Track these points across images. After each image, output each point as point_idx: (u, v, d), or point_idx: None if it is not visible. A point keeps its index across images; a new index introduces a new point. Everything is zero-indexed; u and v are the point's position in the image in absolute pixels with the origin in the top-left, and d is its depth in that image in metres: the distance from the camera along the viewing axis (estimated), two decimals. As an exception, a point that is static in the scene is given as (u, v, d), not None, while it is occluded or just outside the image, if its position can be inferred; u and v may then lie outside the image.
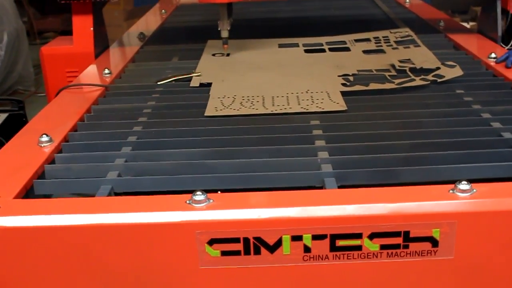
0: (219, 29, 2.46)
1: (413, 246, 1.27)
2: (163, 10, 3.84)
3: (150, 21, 3.65)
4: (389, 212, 1.26)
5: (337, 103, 1.88)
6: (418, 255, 1.28)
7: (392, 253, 1.28)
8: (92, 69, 2.52)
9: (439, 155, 1.53)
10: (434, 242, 1.27)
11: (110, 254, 1.28)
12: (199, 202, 1.28)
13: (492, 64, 2.28)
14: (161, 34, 3.23)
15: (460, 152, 1.53)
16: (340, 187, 1.41)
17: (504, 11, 2.77)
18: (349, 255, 1.28)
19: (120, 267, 1.29)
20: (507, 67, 2.22)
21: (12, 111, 2.90)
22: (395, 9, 3.59)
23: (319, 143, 1.62)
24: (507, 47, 2.65)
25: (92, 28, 2.73)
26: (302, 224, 1.25)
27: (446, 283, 1.31)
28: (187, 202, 1.29)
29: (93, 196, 1.43)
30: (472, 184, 1.29)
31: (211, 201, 1.29)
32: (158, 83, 2.22)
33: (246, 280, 1.30)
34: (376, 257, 1.28)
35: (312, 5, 3.87)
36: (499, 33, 2.68)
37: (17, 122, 2.89)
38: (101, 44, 2.84)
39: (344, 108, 1.83)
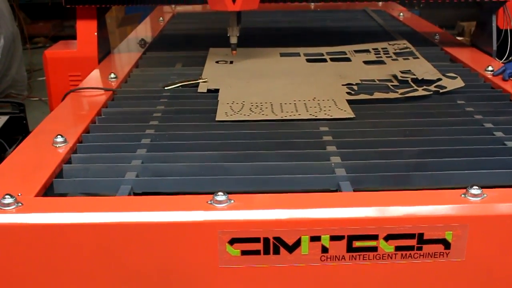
0: (228, 35, 2.51)
1: (427, 248, 1.32)
2: (160, 18, 3.87)
3: (149, 29, 3.69)
4: (404, 215, 1.30)
5: (344, 110, 1.93)
6: (431, 256, 1.33)
7: (406, 254, 1.32)
8: (97, 73, 2.55)
9: (447, 162, 1.59)
10: (447, 245, 1.32)
11: (131, 252, 1.31)
12: (220, 202, 1.31)
13: (490, 76, 2.35)
14: (162, 41, 3.27)
15: (468, 159, 1.59)
16: (354, 190, 1.46)
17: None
18: (365, 256, 1.32)
19: (140, 264, 1.32)
20: (504, 80, 2.29)
21: (13, 114, 2.91)
22: (390, 22, 3.66)
23: (330, 148, 1.67)
24: (502, 61, 2.73)
25: (96, 33, 2.75)
26: (321, 225, 1.29)
27: (457, 284, 1.36)
28: (209, 202, 1.32)
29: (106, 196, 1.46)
30: (483, 189, 1.35)
31: (232, 201, 1.32)
32: (165, 88, 2.26)
33: (264, 280, 1.34)
34: (391, 258, 1.32)
35: (308, 16, 3.94)
36: (494, 47, 2.76)
37: (17, 125, 2.91)
38: (104, 49, 2.86)
39: (352, 115, 1.89)
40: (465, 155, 1.63)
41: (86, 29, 2.76)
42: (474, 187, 1.34)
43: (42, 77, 5.99)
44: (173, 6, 4.22)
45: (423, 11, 6.39)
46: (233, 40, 2.52)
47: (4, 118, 2.85)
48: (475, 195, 1.34)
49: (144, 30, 3.64)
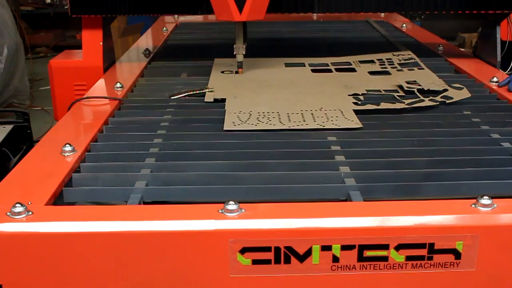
0: (234, 53, 2.51)
1: (437, 258, 1.32)
2: (164, 28, 3.89)
3: (153, 39, 3.70)
4: (415, 225, 1.31)
5: (352, 120, 1.93)
6: (442, 266, 1.33)
7: (416, 264, 1.32)
8: (102, 83, 2.55)
9: (457, 172, 1.59)
10: (457, 255, 1.32)
11: (142, 261, 1.31)
12: (231, 211, 1.32)
13: (495, 87, 2.36)
14: (166, 51, 3.28)
15: (477, 169, 1.60)
16: (364, 200, 1.46)
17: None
18: (375, 265, 1.32)
19: (151, 273, 1.32)
20: (509, 90, 2.30)
21: (17, 123, 2.92)
22: (393, 33, 3.68)
23: (339, 158, 1.67)
24: (506, 72, 2.74)
25: (101, 43, 2.76)
26: (332, 235, 1.29)
27: (467, 294, 1.36)
28: (220, 211, 1.32)
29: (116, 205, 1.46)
30: (493, 200, 1.35)
31: (243, 210, 1.32)
32: (172, 97, 2.26)
33: (275, 289, 1.34)
34: (402, 268, 1.32)
35: (311, 26, 3.95)
36: (499, 58, 2.77)
37: (22, 134, 2.91)
38: (109, 59, 2.87)
39: (360, 125, 1.89)
40: (473, 165, 1.63)
41: (92, 38, 2.77)
42: (485, 197, 1.35)
43: (43, 87, 6.01)
44: (176, 16, 4.24)
45: (424, 22, 6.43)
46: (239, 58, 2.52)
47: (9, 128, 2.85)
48: (485, 205, 1.34)
49: (148, 40, 3.66)
